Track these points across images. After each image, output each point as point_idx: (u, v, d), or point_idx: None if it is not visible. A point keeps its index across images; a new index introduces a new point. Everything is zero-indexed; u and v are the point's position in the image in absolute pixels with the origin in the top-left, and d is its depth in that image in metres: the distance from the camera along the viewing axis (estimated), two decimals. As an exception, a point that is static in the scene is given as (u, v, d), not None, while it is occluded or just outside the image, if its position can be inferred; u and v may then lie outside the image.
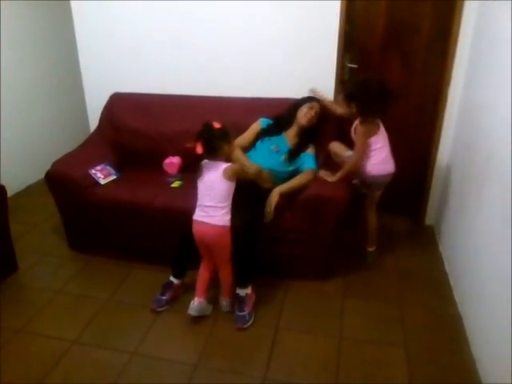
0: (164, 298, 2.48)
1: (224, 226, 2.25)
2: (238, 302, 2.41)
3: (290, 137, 2.73)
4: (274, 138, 2.73)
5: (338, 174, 2.55)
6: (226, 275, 2.39)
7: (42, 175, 2.83)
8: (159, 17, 3.16)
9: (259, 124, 2.79)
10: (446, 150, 3.08)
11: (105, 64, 3.40)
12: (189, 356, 2.17)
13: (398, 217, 3.44)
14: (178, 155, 3.09)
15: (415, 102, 3.10)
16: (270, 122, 2.81)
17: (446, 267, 2.83)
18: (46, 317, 2.45)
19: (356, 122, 2.56)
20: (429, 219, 3.36)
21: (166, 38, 3.21)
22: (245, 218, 2.35)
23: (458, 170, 2.83)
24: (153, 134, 3.14)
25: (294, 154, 2.69)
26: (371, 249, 2.88)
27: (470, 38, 2.75)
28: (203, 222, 2.25)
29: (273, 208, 2.47)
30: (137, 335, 2.30)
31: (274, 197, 2.50)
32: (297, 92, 2.83)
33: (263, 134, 2.76)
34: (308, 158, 2.69)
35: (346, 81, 2.51)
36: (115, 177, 2.95)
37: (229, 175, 2.20)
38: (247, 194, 2.41)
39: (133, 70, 3.36)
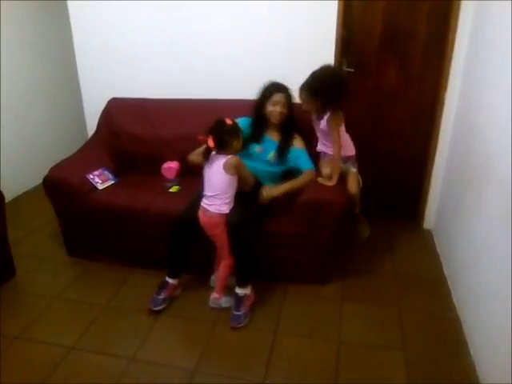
0: (160, 297, 2.48)
1: (219, 215, 2.36)
2: (235, 301, 2.42)
3: (272, 134, 2.69)
4: (260, 141, 2.68)
5: (334, 176, 2.58)
6: (223, 268, 2.46)
7: (40, 180, 2.83)
8: (156, 22, 3.17)
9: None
10: (443, 152, 3.09)
11: (102, 69, 3.40)
12: (187, 361, 2.16)
13: (396, 220, 3.44)
14: (176, 160, 3.09)
15: (413, 105, 3.11)
16: (249, 120, 2.70)
17: (445, 270, 2.83)
18: (44, 323, 2.44)
19: (326, 117, 2.59)
20: (427, 222, 3.36)
21: (163, 43, 3.22)
22: (240, 216, 2.37)
23: (456, 173, 2.84)
24: (151, 139, 3.14)
25: (283, 149, 2.66)
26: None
27: (467, 41, 2.77)
28: (204, 209, 2.38)
29: (269, 197, 2.51)
30: (135, 340, 2.29)
31: (274, 191, 2.53)
32: (295, 96, 2.84)
33: (249, 139, 2.65)
34: (303, 157, 2.67)
35: (311, 75, 2.55)
36: (113, 182, 2.95)
37: (228, 168, 2.30)
38: (241, 193, 2.44)
39: (130, 75, 3.37)
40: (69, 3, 3.27)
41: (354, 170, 2.72)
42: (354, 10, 2.95)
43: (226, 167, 2.30)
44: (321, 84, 2.48)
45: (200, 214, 2.41)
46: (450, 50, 2.84)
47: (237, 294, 2.44)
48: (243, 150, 2.57)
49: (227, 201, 2.36)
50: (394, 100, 3.13)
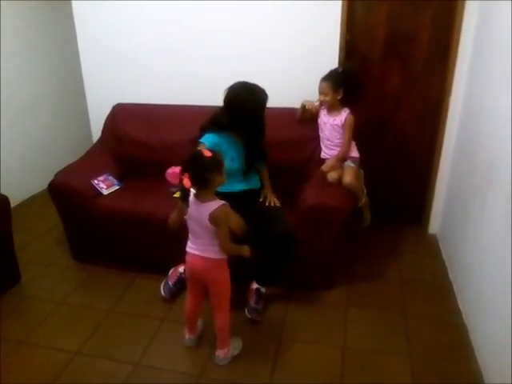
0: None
1: (220, 259, 2.02)
2: (256, 296, 2.47)
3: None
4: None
5: (341, 168, 2.64)
6: (222, 320, 2.12)
7: (45, 186, 2.84)
8: (161, 27, 3.19)
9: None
10: (448, 157, 3.09)
11: (107, 74, 3.42)
12: (192, 367, 2.16)
13: (401, 225, 3.43)
14: (180, 165, 3.09)
15: (417, 109, 3.11)
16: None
17: (450, 276, 2.82)
18: (49, 328, 2.44)
19: (346, 114, 2.65)
20: (432, 227, 3.35)
21: (168, 48, 3.24)
22: (286, 225, 2.39)
23: (461, 178, 2.83)
24: (155, 144, 3.14)
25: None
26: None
27: (471, 44, 2.76)
28: (196, 255, 2.02)
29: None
30: (140, 346, 2.29)
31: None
32: (298, 101, 2.84)
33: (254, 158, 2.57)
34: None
35: (334, 69, 2.68)
36: (118, 187, 2.96)
37: (215, 221, 1.89)
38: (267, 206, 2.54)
39: (135, 81, 3.38)
40: (74, 5, 3.29)
41: (352, 164, 2.68)
42: (358, 13, 2.95)
43: (212, 219, 1.89)
44: (345, 76, 2.61)
45: (190, 259, 2.06)
46: (454, 54, 2.84)
47: (259, 290, 2.49)
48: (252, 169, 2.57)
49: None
50: (397, 104, 3.13)
